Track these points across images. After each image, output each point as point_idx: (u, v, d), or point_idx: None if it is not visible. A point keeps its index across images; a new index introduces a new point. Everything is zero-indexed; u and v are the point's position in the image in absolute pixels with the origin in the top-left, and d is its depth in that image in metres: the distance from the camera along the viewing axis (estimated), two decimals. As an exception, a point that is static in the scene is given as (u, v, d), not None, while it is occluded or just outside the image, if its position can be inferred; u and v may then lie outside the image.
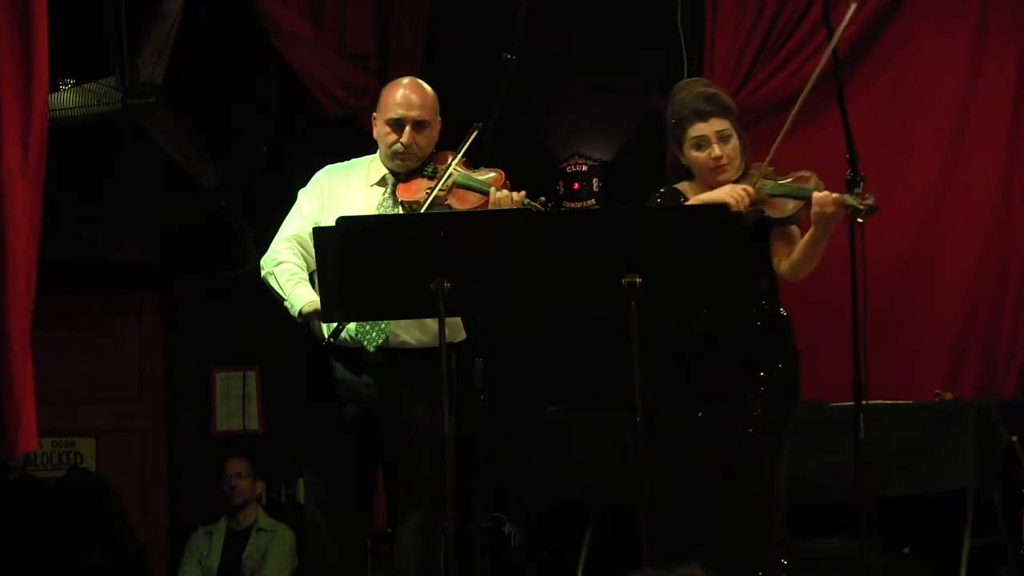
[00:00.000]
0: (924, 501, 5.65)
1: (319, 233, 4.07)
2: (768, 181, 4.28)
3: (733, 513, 4.22)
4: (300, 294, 4.37)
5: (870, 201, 4.10)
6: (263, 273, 4.49)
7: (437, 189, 4.33)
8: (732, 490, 4.21)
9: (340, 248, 3.98)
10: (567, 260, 3.94)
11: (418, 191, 4.41)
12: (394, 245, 3.98)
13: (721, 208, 4.15)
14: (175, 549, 7.04)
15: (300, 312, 4.34)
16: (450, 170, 4.37)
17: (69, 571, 6.48)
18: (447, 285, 3.89)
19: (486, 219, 4.11)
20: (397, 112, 4.44)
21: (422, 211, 4.34)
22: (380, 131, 4.49)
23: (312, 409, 4.51)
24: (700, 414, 4.25)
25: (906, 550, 5.80)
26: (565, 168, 6.83)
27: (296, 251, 4.46)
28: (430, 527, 4.43)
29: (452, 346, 4.45)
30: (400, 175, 4.48)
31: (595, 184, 6.77)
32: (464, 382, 4.47)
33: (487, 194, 4.34)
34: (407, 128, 4.43)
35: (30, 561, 6.36)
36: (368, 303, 4.08)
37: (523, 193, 4.33)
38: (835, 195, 4.15)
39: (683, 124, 4.31)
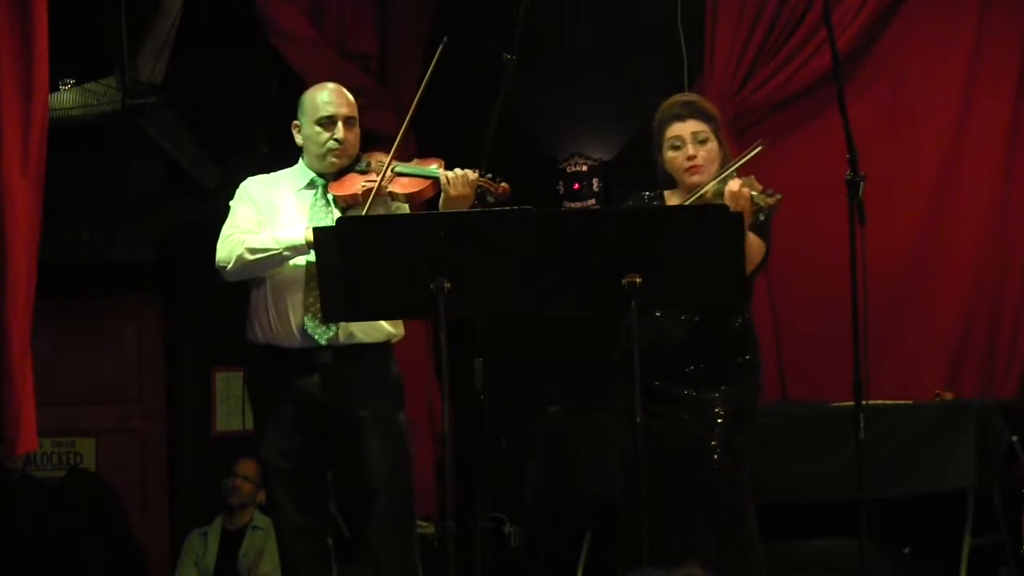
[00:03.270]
0: (924, 501, 5.65)
1: (319, 233, 4.07)
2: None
3: (703, 511, 4.23)
4: (290, 233, 4.33)
5: (771, 200, 4.13)
6: (235, 260, 4.38)
7: (382, 178, 4.34)
8: (700, 489, 4.22)
9: (340, 248, 3.98)
10: (567, 260, 3.94)
11: (352, 186, 4.43)
12: (394, 245, 3.99)
13: (721, 208, 4.15)
14: (175, 549, 7.04)
15: (307, 242, 4.26)
16: (389, 159, 4.38)
17: (69, 571, 6.48)
18: (447, 285, 3.89)
19: (486, 219, 4.10)
20: (328, 110, 4.47)
21: (368, 202, 4.33)
22: (309, 132, 4.50)
23: (263, 417, 4.47)
24: (663, 415, 4.26)
25: (906, 550, 5.81)
26: (565, 168, 6.83)
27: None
28: (400, 522, 4.43)
29: (394, 345, 4.52)
30: (329, 176, 4.50)
31: (595, 184, 6.77)
32: (462, 382, 4.48)
33: (431, 178, 4.36)
34: (339, 124, 4.46)
35: (30, 561, 6.36)
36: (368, 303, 4.08)
37: (476, 172, 4.33)
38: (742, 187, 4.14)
39: (662, 127, 4.38)
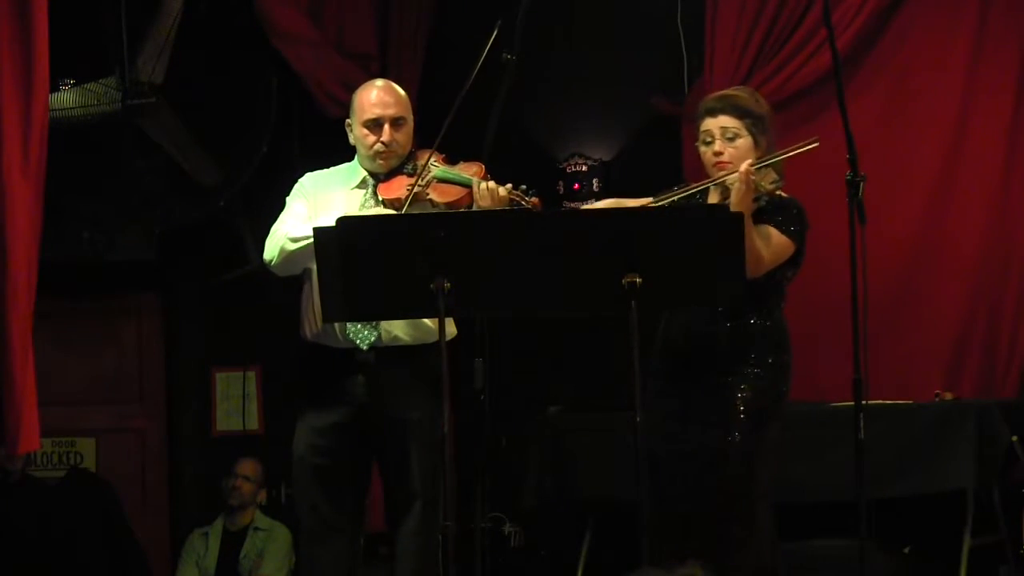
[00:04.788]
0: (924, 501, 5.65)
1: (319, 233, 4.07)
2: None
3: (716, 514, 4.22)
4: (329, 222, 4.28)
5: (770, 186, 4.15)
6: (279, 252, 4.39)
7: (417, 184, 4.35)
8: (713, 490, 4.21)
9: (340, 248, 3.98)
10: (567, 260, 3.94)
11: (399, 188, 4.43)
12: (394, 245, 3.98)
13: (721, 208, 4.15)
14: (175, 549, 7.04)
15: None
16: (428, 164, 4.39)
17: (69, 571, 6.48)
18: (447, 285, 3.89)
19: (486, 219, 4.11)
20: (374, 112, 4.47)
21: (404, 208, 4.35)
22: (358, 134, 4.51)
23: (306, 413, 4.50)
24: (683, 413, 4.26)
25: (906, 550, 5.80)
26: (565, 168, 6.82)
27: None
28: (429, 526, 4.44)
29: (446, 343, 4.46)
30: (380, 175, 4.51)
31: (595, 184, 6.76)
32: (462, 381, 4.47)
33: (468, 186, 4.35)
34: (385, 126, 4.46)
35: (30, 561, 6.36)
36: (368, 303, 4.07)
37: (509, 186, 4.33)
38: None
39: (697, 121, 4.39)
